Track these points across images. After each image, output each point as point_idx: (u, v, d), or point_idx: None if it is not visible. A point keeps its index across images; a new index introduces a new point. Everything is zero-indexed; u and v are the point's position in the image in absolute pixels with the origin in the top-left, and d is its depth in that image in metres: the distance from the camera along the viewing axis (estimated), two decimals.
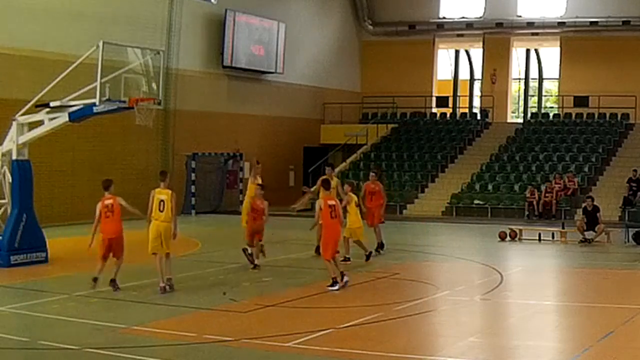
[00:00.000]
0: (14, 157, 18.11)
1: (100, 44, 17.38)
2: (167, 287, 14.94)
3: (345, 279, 15.39)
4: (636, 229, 23.13)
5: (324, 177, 18.67)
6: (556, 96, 41.16)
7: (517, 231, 23.89)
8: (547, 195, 30.42)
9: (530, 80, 41.95)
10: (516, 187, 32.51)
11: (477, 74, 41.87)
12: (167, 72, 25.08)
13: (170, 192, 15.06)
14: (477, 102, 42.09)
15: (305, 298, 14.55)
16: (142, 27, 27.94)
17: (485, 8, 39.34)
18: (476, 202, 32.06)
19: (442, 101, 41.46)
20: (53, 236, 19.93)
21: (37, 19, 25.53)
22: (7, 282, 15.86)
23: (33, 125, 18.30)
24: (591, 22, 37.09)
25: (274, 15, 35.82)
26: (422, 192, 34.17)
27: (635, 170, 30.37)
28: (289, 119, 37.47)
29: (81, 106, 17.80)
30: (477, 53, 41.50)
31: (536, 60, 41.76)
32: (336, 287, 15.21)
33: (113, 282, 14.97)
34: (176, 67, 30.33)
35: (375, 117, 40.30)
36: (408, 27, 40.52)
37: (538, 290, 16.33)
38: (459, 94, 42.67)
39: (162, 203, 14.90)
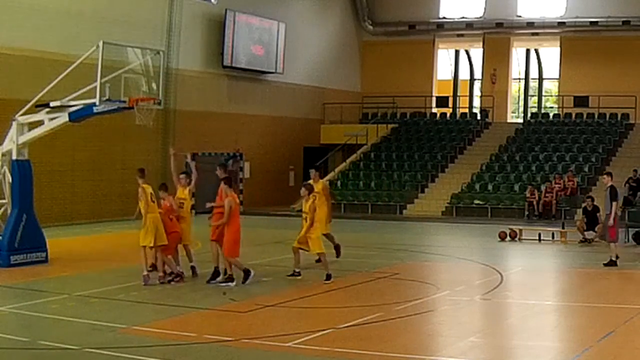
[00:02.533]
0: (14, 157, 18.16)
1: (100, 44, 17.44)
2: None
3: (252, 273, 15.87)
4: (636, 229, 23.18)
5: (308, 181, 18.41)
6: (556, 96, 41.26)
7: (517, 231, 23.94)
8: (547, 195, 30.46)
9: (530, 80, 42.09)
10: (516, 187, 32.59)
11: (477, 74, 42.00)
12: (167, 72, 25.19)
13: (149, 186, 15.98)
14: (477, 102, 42.24)
15: (305, 298, 14.59)
16: (142, 27, 28.08)
17: (485, 8, 39.50)
18: (476, 202, 32.12)
19: (442, 101, 41.57)
20: (53, 236, 19.99)
21: (38, 19, 25.58)
22: (7, 282, 15.89)
23: (33, 125, 18.35)
24: (591, 22, 37.22)
25: (274, 15, 35.90)
26: (422, 192, 34.26)
27: (635, 170, 30.40)
28: (289, 118, 37.58)
29: (81, 106, 17.86)
30: (477, 53, 41.63)
31: (536, 60, 41.90)
32: (233, 284, 15.59)
33: None
34: (176, 67, 30.44)
35: (375, 117, 40.38)
36: (408, 27, 40.67)
37: (538, 290, 16.36)
38: (459, 94, 42.83)
39: (151, 195, 15.84)
